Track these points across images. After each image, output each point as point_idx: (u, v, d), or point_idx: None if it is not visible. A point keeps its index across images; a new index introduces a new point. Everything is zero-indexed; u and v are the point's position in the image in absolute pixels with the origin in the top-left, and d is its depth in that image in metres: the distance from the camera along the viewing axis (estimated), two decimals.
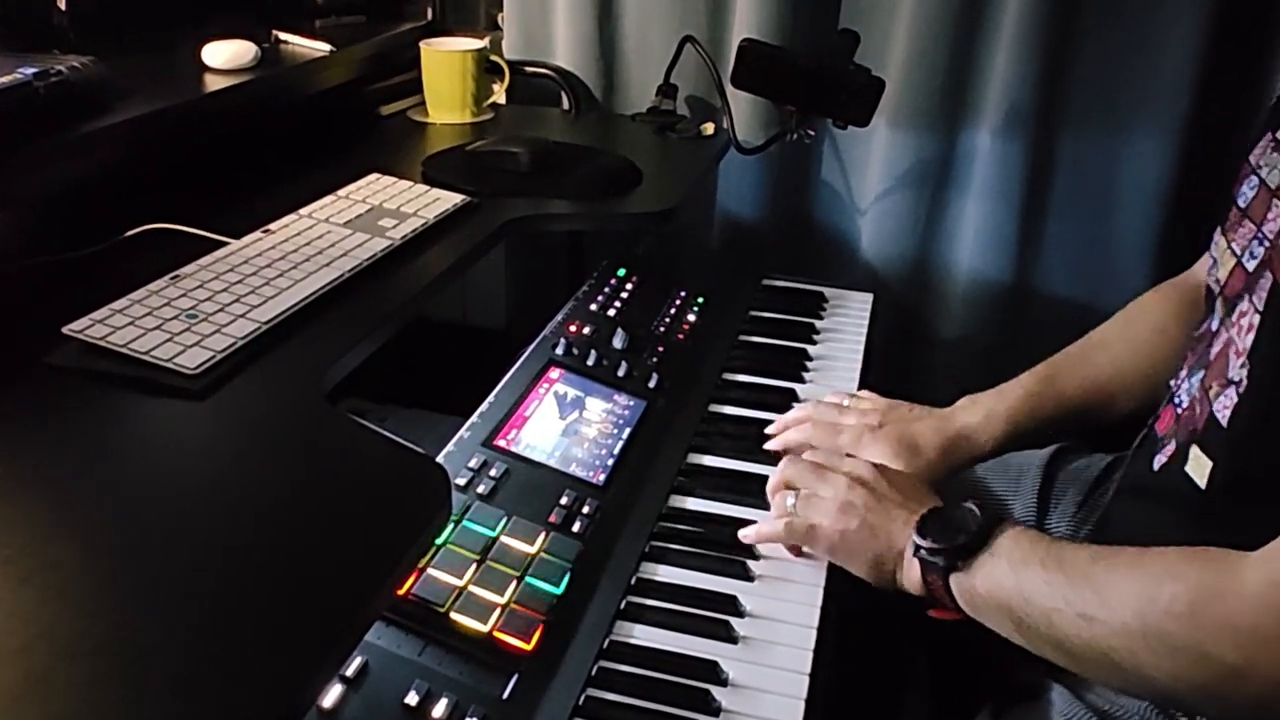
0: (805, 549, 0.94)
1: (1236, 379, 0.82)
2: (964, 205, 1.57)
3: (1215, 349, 0.87)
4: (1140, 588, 0.74)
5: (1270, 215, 0.85)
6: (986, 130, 1.51)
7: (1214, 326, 0.89)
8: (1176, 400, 0.91)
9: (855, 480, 0.94)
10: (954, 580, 0.85)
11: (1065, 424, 1.07)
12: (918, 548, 0.87)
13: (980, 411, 1.07)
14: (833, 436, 1.07)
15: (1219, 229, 0.93)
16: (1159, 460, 0.89)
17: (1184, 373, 0.92)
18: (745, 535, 0.95)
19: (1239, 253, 0.88)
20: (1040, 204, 1.55)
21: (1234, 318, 0.85)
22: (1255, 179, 0.89)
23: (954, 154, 1.56)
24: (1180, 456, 0.86)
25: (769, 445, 1.09)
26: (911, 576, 0.88)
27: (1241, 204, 0.90)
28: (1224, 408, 0.82)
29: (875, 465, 0.96)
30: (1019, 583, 0.80)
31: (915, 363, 1.68)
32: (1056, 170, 1.53)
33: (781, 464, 0.98)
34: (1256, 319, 0.81)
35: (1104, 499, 1.05)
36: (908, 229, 1.60)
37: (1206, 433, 0.84)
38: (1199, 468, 0.84)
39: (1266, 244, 0.84)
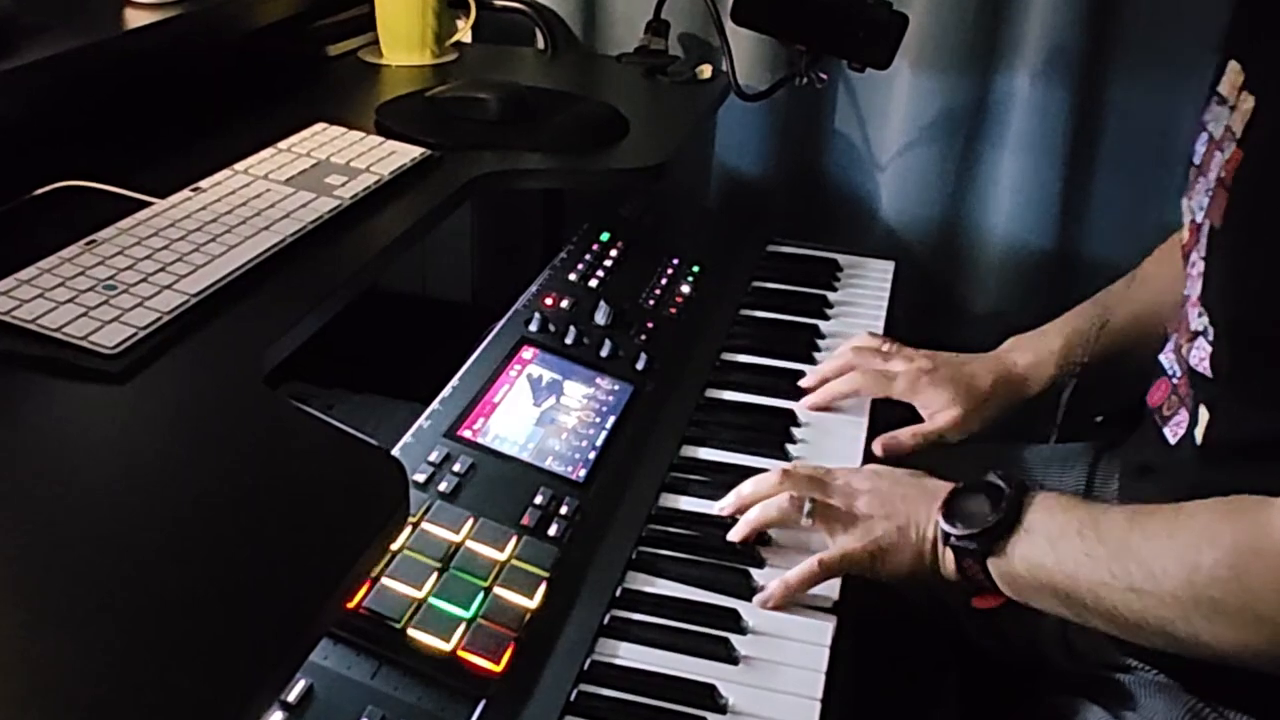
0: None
1: (1200, 328, 0.91)
2: (999, 160, 1.58)
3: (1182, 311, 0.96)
4: (1181, 555, 0.80)
5: (1213, 165, 0.94)
6: (1025, 74, 1.51)
7: (1184, 292, 0.98)
8: (1170, 372, 0.99)
9: (860, 480, 0.97)
10: (992, 565, 0.89)
11: (1118, 360, 1.16)
12: (947, 535, 0.91)
13: (1031, 352, 1.20)
14: (886, 384, 1.16)
15: (1184, 195, 1.01)
16: (1173, 434, 0.96)
17: (1169, 344, 1.01)
18: (767, 597, 0.89)
19: (1194, 210, 0.97)
20: (1086, 158, 1.55)
21: (1188, 269, 0.96)
22: (1205, 135, 0.97)
23: (988, 101, 1.56)
24: (1192, 422, 0.93)
25: (809, 399, 1.15)
26: (948, 565, 0.92)
27: (1196, 162, 0.98)
28: (1200, 360, 0.91)
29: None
30: (1059, 559, 0.86)
31: (942, 340, 1.66)
32: (1105, 120, 1.54)
33: (772, 478, 0.97)
34: (1202, 265, 0.91)
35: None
36: (934, 187, 1.61)
37: (1197, 390, 0.92)
38: (1202, 425, 0.92)
39: (1211, 192, 0.92)
